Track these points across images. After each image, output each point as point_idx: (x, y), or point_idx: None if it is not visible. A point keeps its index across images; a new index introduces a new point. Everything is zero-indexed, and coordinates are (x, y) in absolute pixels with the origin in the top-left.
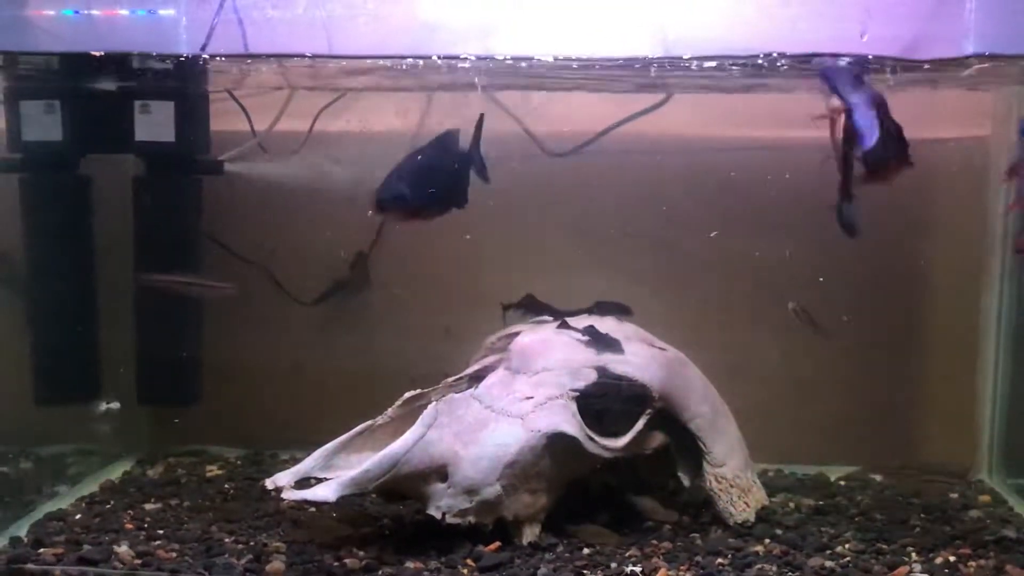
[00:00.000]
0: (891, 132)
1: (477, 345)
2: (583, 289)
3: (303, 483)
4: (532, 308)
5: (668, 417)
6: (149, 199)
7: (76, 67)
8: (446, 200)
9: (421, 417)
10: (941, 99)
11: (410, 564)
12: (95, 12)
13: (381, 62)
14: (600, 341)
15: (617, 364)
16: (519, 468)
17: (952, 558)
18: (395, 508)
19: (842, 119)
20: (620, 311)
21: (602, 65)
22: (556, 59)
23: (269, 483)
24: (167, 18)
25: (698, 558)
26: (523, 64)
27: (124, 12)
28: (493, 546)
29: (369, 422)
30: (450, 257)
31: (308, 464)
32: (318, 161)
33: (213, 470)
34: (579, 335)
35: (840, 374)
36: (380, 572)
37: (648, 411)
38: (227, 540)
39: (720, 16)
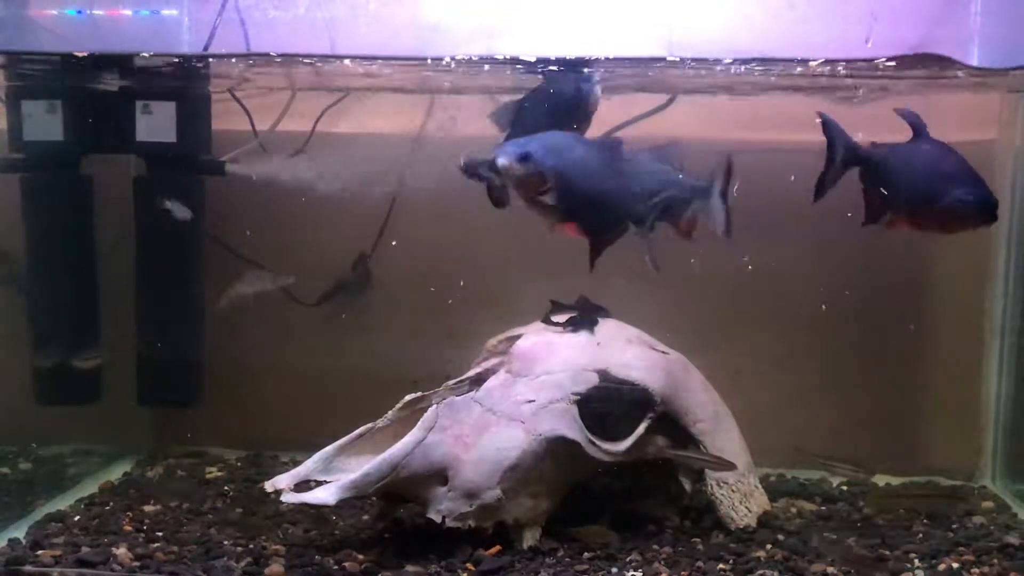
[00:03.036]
0: None
1: (479, 348)
2: (585, 290)
3: (303, 486)
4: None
5: (670, 421)
6: (150, 199)
7: (78, 67)
8: None
9: (422, 420)
10: (946, 102)
11: (410, 568)
12: (98, 12)
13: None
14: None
15: (619, 368)
16: (520, 472)
17: (955, 565)
18: (395, 511)
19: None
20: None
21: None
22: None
23: (269, 485)
24: (169, 18)
25: (699, 563)
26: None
27: (127, 12)
28: (493, 550)
29: (370, 424)
30: (452, 258)
31: (308, 467)
32: (320, 161)
33: (213, 472)
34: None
35: (843, 379)
36: None
37: (650, 415)
38: (226, 543)
39: (726, 18)
